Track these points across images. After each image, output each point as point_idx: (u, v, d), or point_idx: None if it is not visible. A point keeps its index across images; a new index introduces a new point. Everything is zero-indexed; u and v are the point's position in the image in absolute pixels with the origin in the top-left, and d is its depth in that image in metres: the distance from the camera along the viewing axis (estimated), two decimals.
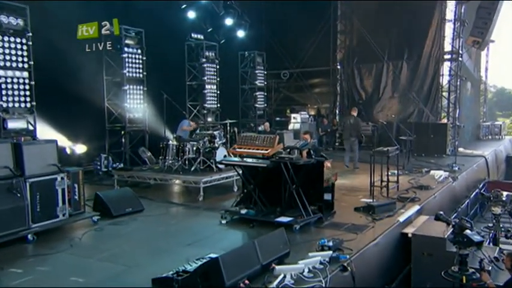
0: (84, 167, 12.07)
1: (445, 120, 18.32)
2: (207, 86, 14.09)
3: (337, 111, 20.97)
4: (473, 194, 12.68)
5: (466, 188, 12.54)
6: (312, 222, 7.22)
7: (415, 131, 15.41)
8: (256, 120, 16.61)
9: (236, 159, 7.59)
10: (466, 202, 11.90)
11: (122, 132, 11.92)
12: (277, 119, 18.55)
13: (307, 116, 14.20)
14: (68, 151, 11.82)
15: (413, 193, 9.64)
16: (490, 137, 23.63)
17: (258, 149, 7.49)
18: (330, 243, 5.95)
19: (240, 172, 7.80)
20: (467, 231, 5.47)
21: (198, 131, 11.23)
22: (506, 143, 22.07)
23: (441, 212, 6.13)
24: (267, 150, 7.41)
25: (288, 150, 7.39)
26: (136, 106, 11.72)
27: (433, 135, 16.07)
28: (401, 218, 7.68)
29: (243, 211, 7.50)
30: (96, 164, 12.06)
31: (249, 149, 7.57)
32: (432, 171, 11.92)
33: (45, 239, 6.61)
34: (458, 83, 17.77)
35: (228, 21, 15.06)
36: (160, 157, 10.37)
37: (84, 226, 7.33)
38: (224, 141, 10.71)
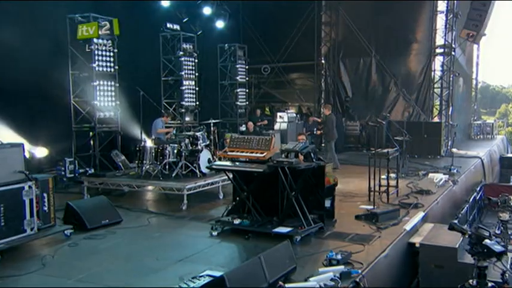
0: (46, 173, 11.79)
1: (437, 119, 18.60)
2: (184, 82, 13.87)
3: (321, 110, 20.96)
4: (472, 197, 12.84)
5: (465, 191, 12.70)
6: (312, 233, 7.09)
7: (407, 130, 15.50)
8: (238, 119, 16.40)
9: (228, 163, 7.38)
10: (465, 207, 12.03)
11: (91, 133, 11.53)
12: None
13: (295, 115, 14.04)
14: (27, 155, 11.36)
15: (415, 198, 9.65)
16: (481, 136, 24.15)
17: (252, 152, 7.31)
18: (339, 257, 5.82)
19: (231, 177, 7.59)
20: (487, 241, 5.41)
21: (174, 132, 10.96)
22: (499, 142, 22.60)
23: (455, 221, 6.07)
24: (262, 153, 7.24)
25: (286, 153, 7.23)
26: (107, 104, 11.34)
27: (426, 135, 16.23)
28: (408, 227, 7.64)
29: (236, 221, 7.30)
30: (60, 169, 11.62)
31: (243, 152, 7.38)
32: (431, 175, 12.00)
33: (12, 258, 6.25)
34: (451, 78, 18.05)
35: (206, 11, 14.81)
36: (136, 161, 10.04)
37: (55, 241, 6.99)
38: (208, 143, 10.47)
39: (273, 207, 7.47)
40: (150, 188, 10.03)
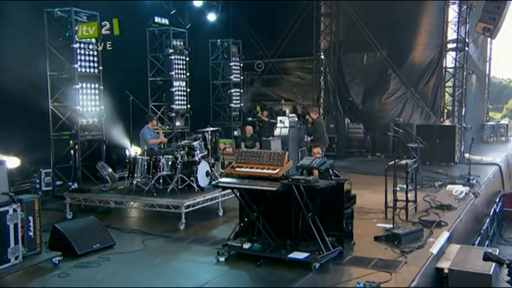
0: (17, 186, 11.61)
1: (448, 122, 18.73)
2: (175, 83, 13.75)
3: (321, 110, 21.01)
4: (492, 210, 12.97)
5: (485, 203, 12.81)
6: (331, 258, 7.06)
7: (418, 135, 15.59)
8: (232, 123, 16.34)
9: (236, 180, 7.31)
10: (487, 221, 12.14)
11: (71, 142, 11.38)
12: (249, 118, 18.40)
13: (296, 119, 14.03)
14: None
15: (436, 215, 9.68)
16: (494, 138, 24.36)
17: (263, 169, 7.25)
18: None
19: (239, 195, 7.53)
20: None
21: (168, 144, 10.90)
22: None
23: (490, 250, 6.13)
24: (274, 169, 7.19)
25: (301, 170, 7.20)
26: (90, 109, 11.20)
27: (439, 140, 16.29)
28: (435, 250, 7.65)
29: (246, 245, 7.24)
30: (34, 181, 11.49)
31: (252, 168, 7.33)
32: (449, 186, 12.06)
33: None
34: (464, 76, 18.18)
35: (197, 3, 14.71)
36: (128, 174, 9.92)
37: (43, 271, 6.85)
38: (206, 153, 10.39)
39: (286, 228, 7.41)
40: (139, 203, 9.86)
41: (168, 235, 8.58)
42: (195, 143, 10.15)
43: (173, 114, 13.75)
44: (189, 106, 14.14)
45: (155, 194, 9.50)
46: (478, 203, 11.76)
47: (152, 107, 13.91)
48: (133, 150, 12.27)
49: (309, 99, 21.97)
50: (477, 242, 10.97)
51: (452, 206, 10.31)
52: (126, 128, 10.98)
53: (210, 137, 11.30)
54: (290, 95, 23.33)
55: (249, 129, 14.45)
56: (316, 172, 7.33)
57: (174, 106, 13.80)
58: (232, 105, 16.82)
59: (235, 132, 16.42)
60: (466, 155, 17.99)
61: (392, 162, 9.79)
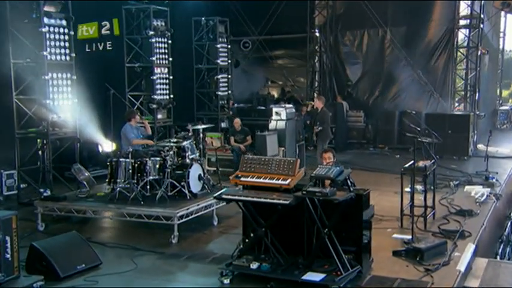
0: None
1: (459, 110, 19.00)
2: (156, 70, 13.68)
3: (315, 95, 21.11)
4: None
5: (507, 204, 13.09)
6: (349, 280, 7.19)
7: (427, 124, 15.74)
8: (219, 114, 16.33)
9: (242, 192, 7.39)
10: (508, 225, 12.44)
11: (39, 140, 11.30)
12: (235, 105, 18.43)
13: (294, 110, 14.09)
14: None
15: (457, 223, 9.89)
16: (508, 125, 24.75)
17: (273, 179, 7.33)
18: None
19: (244, 208, 7.59)
20: None
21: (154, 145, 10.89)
22: None
23: None
24: (285, 180, 7.27)
25: (315, 180, 7.27)
26: (62, 103, 11.11)
27: (451, 131, 16.54)
28: (462, 267, 7.80)
29: (253, 265, 7.32)
30: None
31: (260, 177, 7.40)
32: (467, 187, 12.32)
33: None
34: (478, 57, 18.39)
35: None
36: (110, 179, 9.91)
37: None
38: (198, 154, 10.41)
39: (297, 244, 7.50)
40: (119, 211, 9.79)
41: (160, 251, 8.61)
42: (186, 143, 10.17)
43: (154, 106, 13.68)
44: (172, 96, 14.07)
45: (142, 203, 9.51)
46: (500, 205, 12.03)
47: (129, 96, 13.85)
48: (107, 146, 12.24)
49: (301, 82, 22.08)
50: (500, 250, 11.27)
51: (473, 211, 10.52)
52: (105, 125, 10.89)
53: (202, 135, 11.27)
54: (279, 77, 23.44)
55: (238, 121, 14.52)
56: (327, 182, 7.41)
57: (155, 96, 13.72)
58: (220, 93, 16.79)
59: (223, 124, 16.44)
60: (480, 146, 18.38)
61: (409, 164, 9.98)
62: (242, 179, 7.49)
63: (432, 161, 10.34)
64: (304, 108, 18.62)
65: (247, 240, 7.78)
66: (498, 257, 10.99)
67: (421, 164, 9.87)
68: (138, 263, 8.08)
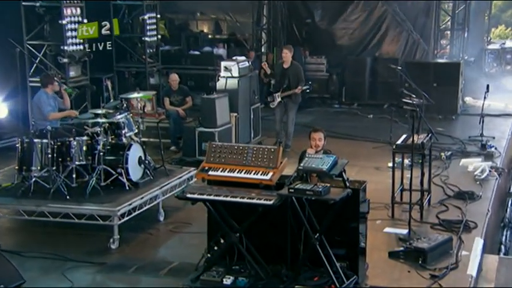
0: None
1: (445, 52, 19.54)
2: (66, 12, 13.38)
3: (262, 41, 21.19)
4: None
5: (508, 177, 13.79)
6: None
7: (408, 75, 16.17)
8: (147, 67, 16.20)
9: (212, 190, 7.52)
10: (509, 204, 13.19)
11: None
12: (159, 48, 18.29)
13: (247, 63, 14.15)
14: None
15: (457, 209, 10.42)
16: (497, 68, 25.30)
17: (250, 172, 7.51)
18: None
19: (212, 208, 7.74)
20: None
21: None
22: None
23: None
24: (266, 174, 7.46)
25: (302, 173, 7.50)
26: None
27: (436, 84, 17.10)
28: (473, 270, 8.27)
29: (227, 280, 7.54)
30: None
31: (234, 171, 7.56)
32: (463, 161, 12.87)
33: None
34: None
35: None
36: (20, 166, 9.78)
37: None
38: (136, 131, 10.42)
39: (277, 251, 7.78)
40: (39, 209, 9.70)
41: (99, 260, 8.65)
42: (121, 117, 10.14)
43: (65, 61, 13.45)
44: (87, 46, 13.86)
45: (68, 197, 9.48)
46: (502, 182, 12.67)
47: (28, 45, 13.57)
48: None
49: (246, 16, 21.98)
50: (504, 238, 11.99)
51: (475, 193, 11.08)
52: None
53: (139, 104, 11.24)
54: (212, 10, 23.28)
55: (174, 78, 14.45)
56: (314, 176, 7.66)
57: (66, 47, 13.46)
58: (147, 38, 16.62)
59: (152, 80, 16.36)
60: (468, 99, 19.09)
61: (402, 140, 10.38)
62: (211, 173, 7.62)
63: (428, 134, 10.72)
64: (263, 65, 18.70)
65: (216, 248, 7.95)
66: (503, 247, 11.70)
67: (418, 139, 10.17)
68: (73, 279, 8.07)
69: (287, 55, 13.97)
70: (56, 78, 11.23)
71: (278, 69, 14.12)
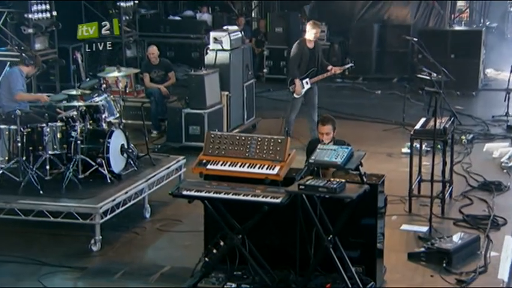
0: None
1: (462, 17, 19.37)
2: None
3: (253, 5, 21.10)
4: None
5: None
6: None
7: (419, 45, 16.07)
8: (123, 38, 16.07)
9: (211, 187, 7.48)
10: None
11: None
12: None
13: (240, 34, 14.05)
14: None
15: (483, 203, 10.44)
16: None
17: (254, 166, 7.46)
18: None
19: (210, 206, 7.71)
20: None
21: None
22: None
23: None
24: (272, 168, 7.41)
25: (313, 167, 7.46)
26: None
27: (454, 55, 17.01)
28: (505, 275, 8.27)
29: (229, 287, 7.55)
30: None
31: (235, 165, 7.51)
32: (487, 146, 12.85)
33: None
34: None
35: None
36: None
37: None
38: (118, 115, 10.36)
39: (284, 254, 7.78)
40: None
41: (79, 264, 8.63)
42: (100, 99, 10.08)
43: (30, 30, 13.34)
44: (54, 13, 13.70)
45: (42, 192, 9.45)
46: None
47: None
48: None
49: None
50: None
51: (502, 184, 11.10)
52: None
53: (121, 85, 11.16)
54: None
55: (154, 51, 14.32)
56: (330, 171, 7.64)
57: (30, 15, 13.35)
58: (122, 4, 16.34)
59: (129, 52, 16.25)
60: (489, 71, 18.93)
61: (420, 124, 10.34)
62: (210, 166, 7.57)
63: (451, 118, 10.71)
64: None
65: (214, 251, 7.91)
66: None
67: (440, 124, 10.11)
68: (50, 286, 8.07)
69: (318, 34, 13.51)
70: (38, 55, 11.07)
71: (301, 51, 13.36)
